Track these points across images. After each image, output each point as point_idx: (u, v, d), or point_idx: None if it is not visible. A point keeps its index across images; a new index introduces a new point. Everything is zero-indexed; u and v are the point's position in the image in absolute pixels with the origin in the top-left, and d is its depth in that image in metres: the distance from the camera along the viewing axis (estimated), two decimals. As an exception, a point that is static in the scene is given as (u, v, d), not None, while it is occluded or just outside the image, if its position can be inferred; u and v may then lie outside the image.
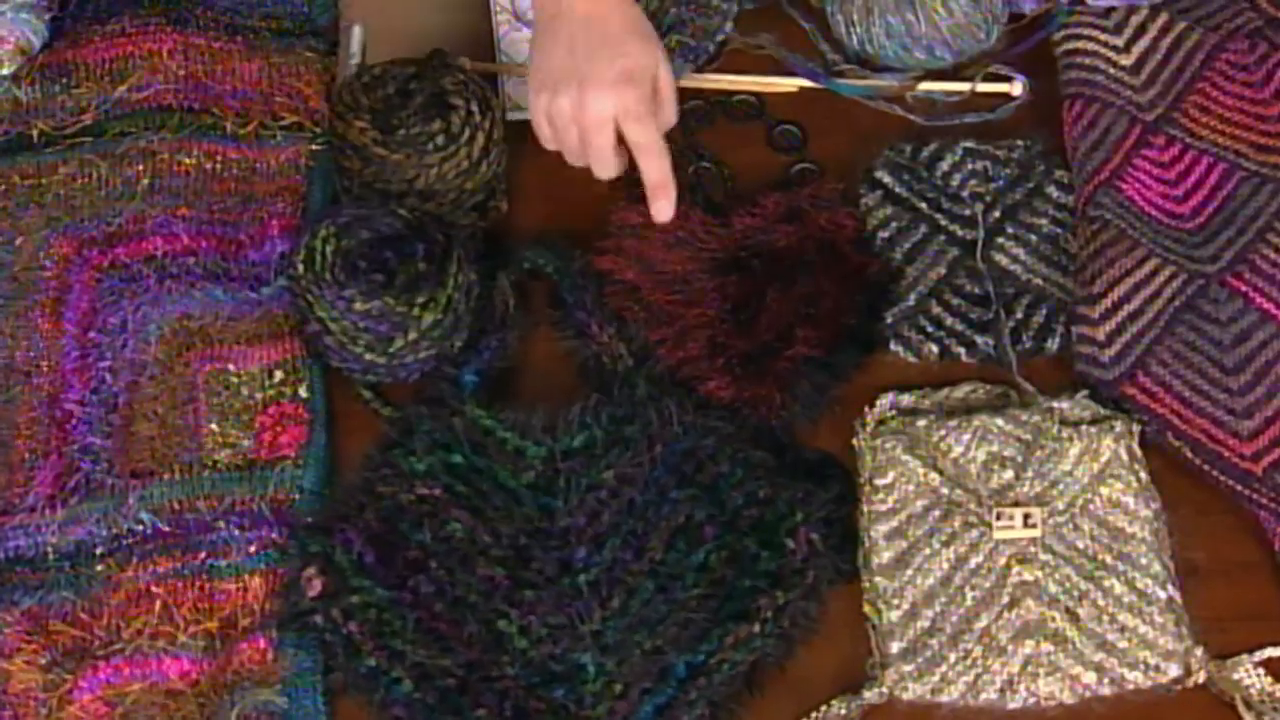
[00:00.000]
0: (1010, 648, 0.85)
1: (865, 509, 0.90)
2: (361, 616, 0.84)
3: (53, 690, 0.85)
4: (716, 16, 1.13)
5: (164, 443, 0.93)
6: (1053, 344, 0.97)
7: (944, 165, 1.05)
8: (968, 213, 1.03)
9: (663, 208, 0.99)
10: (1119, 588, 0.86)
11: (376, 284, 0.92)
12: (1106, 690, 0.84)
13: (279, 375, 0.95)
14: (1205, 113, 1.07)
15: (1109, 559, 0.87)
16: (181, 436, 0.93)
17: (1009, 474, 0.90)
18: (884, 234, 1.02)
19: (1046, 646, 0.85)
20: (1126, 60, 1.09)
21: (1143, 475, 0.91)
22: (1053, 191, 1.04)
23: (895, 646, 0.85)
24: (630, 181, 1.04)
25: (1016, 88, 1.10)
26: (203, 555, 0.89)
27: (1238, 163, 1.04)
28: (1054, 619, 0.85)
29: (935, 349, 0.97)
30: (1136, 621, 0.85)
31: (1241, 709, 0.83)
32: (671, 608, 0.85)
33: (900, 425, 0.93)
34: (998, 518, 0.88)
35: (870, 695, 0.84)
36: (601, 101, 0.96)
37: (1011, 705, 0.84)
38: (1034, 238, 1.02)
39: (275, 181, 1.04)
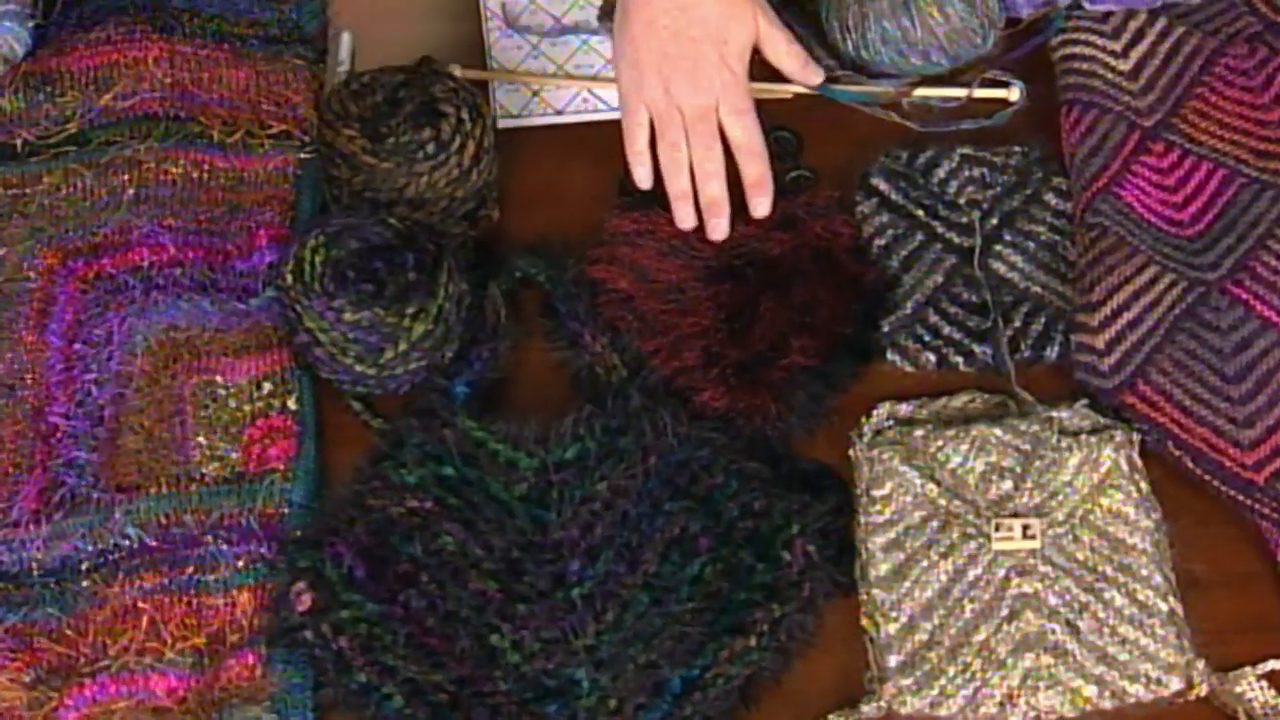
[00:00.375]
0: (1010, 661, 0.85)
1: (862, 520, 0.90)
2: (352, 631, 0.85)
3: (38, 708, 0.85)
4: (710, 22, 1.13)
5: (150, 456, 0.93)
6: (1051, 352, 0.98)
7: (941, 172, 1.06)
8: (965, 220, 1.03)
9: (762, 204, 1.02)
10: (1119, 600, 0.87)
11: (366, 294, 0.93)
12: (1107, 704, 0.84)
13: (267, 387, 0.95)
14: (1204, 118, 1.07)
15: (1109, 570, 0.88)
16: (168, 450, 0.93)
17: (1008, 484, 0.90)
18: (880, 242, 1.02)
19: (1046, 659, 0.85)
20: (1125, 65, 1.10)
21: (1143, 485, 0.91)
22: (1051, 198, 1.04)
23: (893, 660, 0.86)
24: (623, 189, 1.05)
25: (1014, 93, 1.10)
26: (190, 570, 0.89)
27: (1238, 169, 1.04)
28: (1054, 631, 0.86)
29: (932, 358, 0.98)
30: (1137, 634, 0.86)
31: (1244, 722, 0.84)
32: (666, 621, 0.85)
33: (897, 435, 0.93)
34: (996, 529, 0.89)
35: (868, 710, 0.84)
36: (706, 96, 1.00)
37: (1011, 719, 0.84)
38: (1032, 245, 1.02)
39: (263, 191, 1.04)
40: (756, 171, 1.02)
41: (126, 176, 1.04)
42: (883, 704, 0.85)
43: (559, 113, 1.11)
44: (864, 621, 0.88)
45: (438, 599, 0.86)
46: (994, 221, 1.03)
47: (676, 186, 1.02)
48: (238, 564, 0.89)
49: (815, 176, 1.07)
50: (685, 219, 1.01)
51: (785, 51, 1.06)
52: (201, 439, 0.94)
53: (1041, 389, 0.95)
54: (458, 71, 1.07)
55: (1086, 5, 1.12)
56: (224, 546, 0.89)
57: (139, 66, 1.08)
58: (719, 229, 1.01)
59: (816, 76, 1.07)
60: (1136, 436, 0.93)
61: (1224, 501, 0.91)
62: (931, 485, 0.91)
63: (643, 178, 1.03)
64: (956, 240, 1.03)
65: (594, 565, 0.87)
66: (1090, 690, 0.84)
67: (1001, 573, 0.88)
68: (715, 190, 1.01)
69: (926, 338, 0.98)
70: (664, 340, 0.97)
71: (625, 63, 1.03)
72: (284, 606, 0.86)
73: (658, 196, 1.04)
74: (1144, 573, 0.88)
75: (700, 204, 1.02)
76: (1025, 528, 0.88)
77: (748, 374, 0.95)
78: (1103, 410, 0.94)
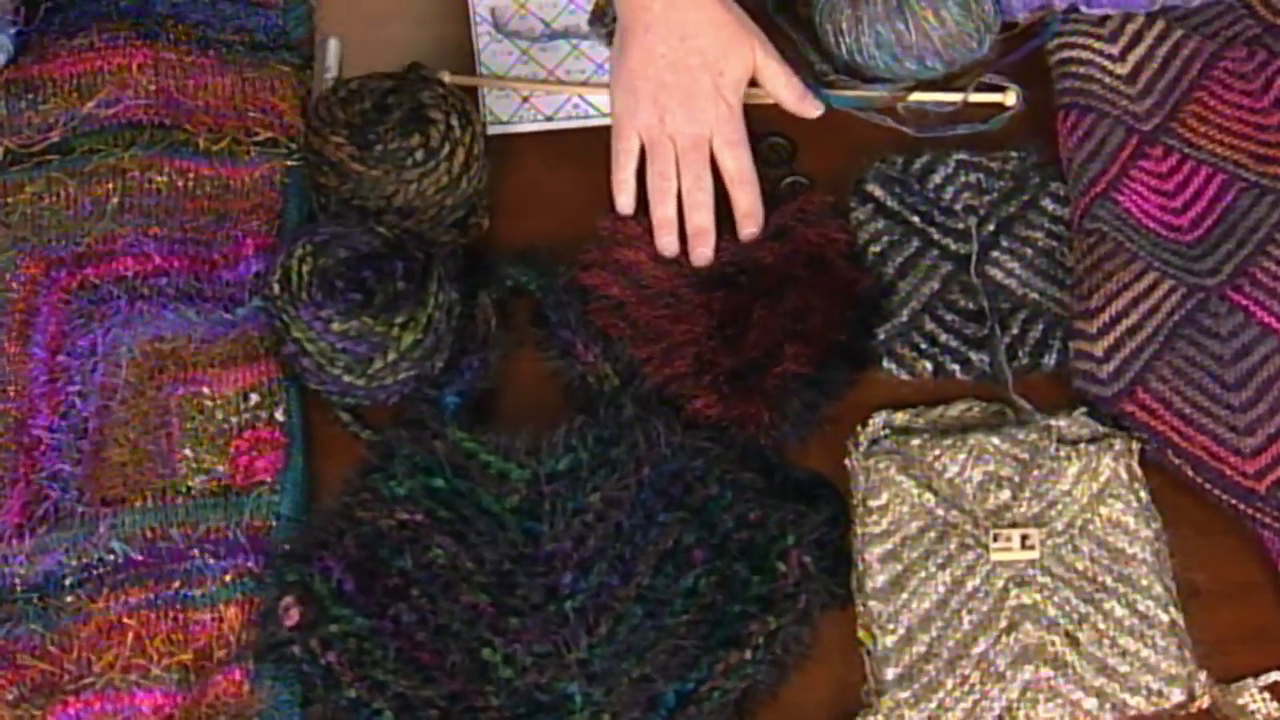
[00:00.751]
0: (1009, 673, 0.85)
1: (858, 531, 0.90)
2: (341, 646, 0.85)
3: (21, 727, 0.85)
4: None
5: (136, 469, 0.93)
6: (1049, 360, 0.98)
7: (936, 178, 1.06)
8: (961, 226, 1.04)
9: (750, 233, 1.03)
10: (1120, 610, 0.87)
11: (354, 304, 0.93)
12: (1108, 716, 0.84)
13: (254, 398, 0.96)
14: (1203, 122, 1.07)
15: (1109, 581, 0.88)
16: (154, 462, 0.93)
17: (1006, 494, 0.90)
18: (875, 248, 1.03)
19: (1046, 671, 0.85)
20: (1122, 69, 1.10)
21: (1143, 494, 0.91)
22: (1048, 204, 1.05)
23: (891, 673, 0.86)
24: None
25: (1010, 98, 1.11)
26: (176, 585, 0.89)
27: (1237, 173, 1.05)
28: (1053, 643, 0.86)
29: (929, 366, 0.98)
30: (1138, 645, 0.86)
31: (1246, 734, 0.84)
32: (660, 634, 0.85)
33: (894, 445, 0.93)
34: (995, 539, 0.89)
35: (865, 723, 0.85)
36: (700, 126, 1.02)
37: (1010, 732, 0.84)
38: (1029, 251, 1.03)
39: (249, 199, 1.04)
40: (748, 201, 1.03)
41: (110, 185, 1.04)
42: (880, 718, 0.85)
43: (549, 119, 1.11)
44: (861, 634, 0.88)
45: (428, 613, 0.86)
46: (991, 227, 1.04)
47: (661, 213, 1.03)
48: (225, 578, 0.89)
49: (809, 183, 1.07)
50: (667, 247, 1.02)
51: (783, 84, 1.07)
52: (188, 451, 0.94)
53: (1039, 397, 0.96)
54: (447, 77, 1.07)
55: (1083, 8, 1.13)
56: (211, 560, 0.90)
57: (123, 73, 1.08)
58: (702, 257, 1.02)
59: (815, 109, 1.08)
60: (1136, 445, 0.93)
61: (1225, 510, 0.92)
62: (929, 495, 0.91)
63: (624, 205, 1.04)
64: (953, 246, 1.03)
65: (587, 578, 0.87)
66: (1090, 703, 0.84)
67: (1000, 584, 0.88)
68: (702, 220, 1.02)
69: (923, 345, 0.99)
70: (656, 348, 0.98)
71: (621, 89, 1.05)
72: (272, 621, 0.86)
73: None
74: (1144, 583, 0.88)
75: (686, 231, 1.02)
76: (1024, 538, 0.89)
77: (741, 382, 0.95)
78: (1102, 418, 0.94)
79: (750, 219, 1.03)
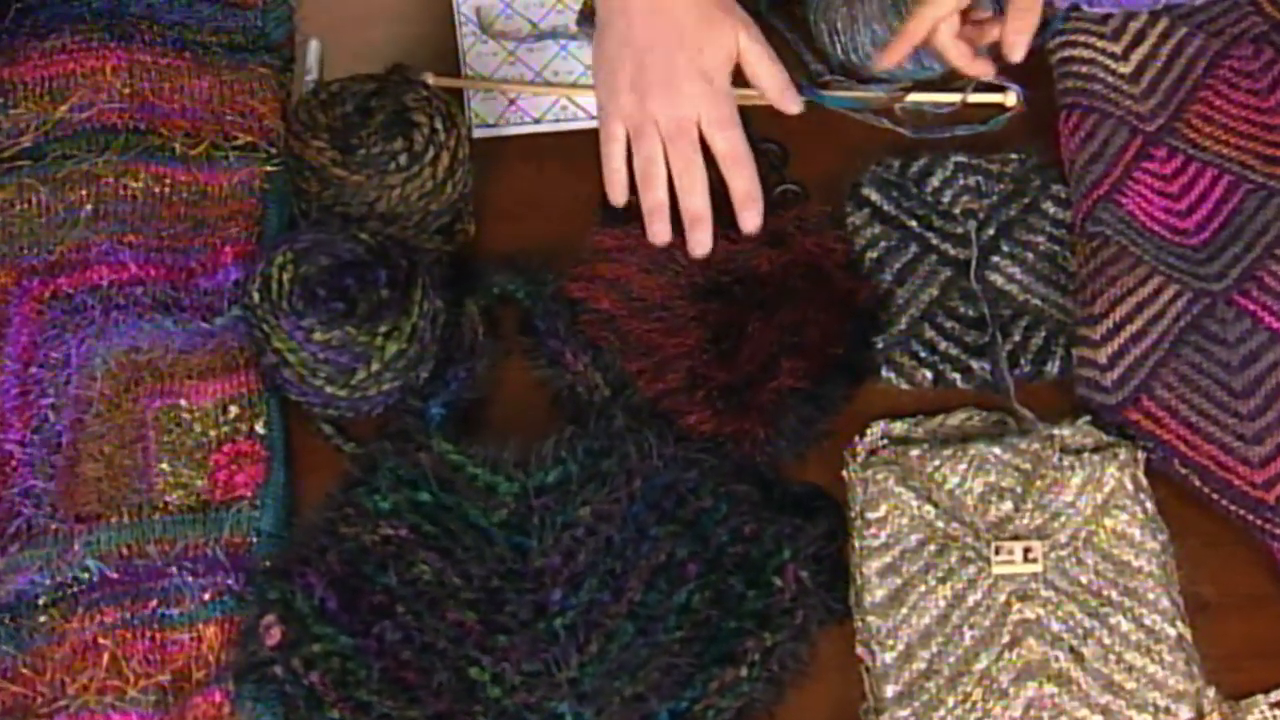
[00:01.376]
0: (1011, 690, 0.85)
1: (856, 544, 0.91)
2: (324, 666, 0.85)
3: (-7, 751, 0.85)
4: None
5: (111, 484, 0.93)
6: (1052, 368, 0.98)
7: (935, 181, 1.06)
8: (960, 230, 1.04)
9: (750, 218, 1.02)
10: (1125, 625, 0.87)
11: (337, 313, 0.93)
12: (1114, 734, 0.85)
13: (234, 411, 0.96)
14: (1209, 123, 1.08)
15: (1114, 595, 0.88)
16: (130, 477, 0.93)
17: (1008, 505, 0.91)
18: (872, 254, 1.03)
19: (1050, 688, 0.85)
20: (1125, 68, 1.11)
21: (1149, 505, 0.91)
22: (1049, 207, 1.05)
23: (890, 690, 0.86)
24: (606, 203, 1.06)
25: (1010, 98, 1.11)
26: (154, 604, 0.89)
27: (1243, 175, 1.05)
28: (1057, 659, 0.86)
29: (929, 375, 0.98)
30: (1145, 661, 0.86)
31: (1256, 751, 0.85)
32: (653, 652, 0.86)
33: (892, 456, 0.93)
34: (996, 552, 0.89)
35: (865, 742, 0.85)
36: (683, 107, 1.01)
37: (1014, 750, 0.85)
38: (1031, 256, 1.03)
39: (228, 205, 1.04)
40: (743, 183, 1.02)
41: (84, 192, 1.04)
42: (880, 736, 0.85)
43: (536, 121, 1.12)
44: (859, 650, 0.88)
45: (414, 631, 0.86)
46: (991, 231, 1.04)
47: (651, 199, 1.02)
48: (203, 596, 0.89)
49: (804, 191, 1.07)
50: (659, 234, 1.02)
51: (766, 71, 1.05)
52: (165, 466, 0.94)
53: (1042, 406, 0.96)
54: (431, 79, 1.08)
55: (1085, 7, 1.13)
56: (189, 578, 0.90)
57: (96, 76, 1.08)
58: (701, 244, 1.01)
59: (795, 106, 1.07)
60: (1141, 454, 0.93)
61: (1233, 521, 0.92)
62: (928, 507, 0.91)
63: (617, 197, 1.04)
64: (952, 252, 1.03)
65: (577, 594, 0.87)
66: (1096, 720, 0.85)
67: (1002, 598, 0.88)
68: (697, 204, 1.01)
69: (922, 354, 0.99)
70: (648, 362, 0.98)
71: (601, 77, 1.04)
72: (252, 640, 0.86)
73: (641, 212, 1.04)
74: (1150, 596, 0.88)
75: (682, 220, 1.02)
76: (1026, 550, 0.89)
77: (735, 397, 0.95)
78: (1106, 427, 0.95)
79: (749, 202, 1.02)
